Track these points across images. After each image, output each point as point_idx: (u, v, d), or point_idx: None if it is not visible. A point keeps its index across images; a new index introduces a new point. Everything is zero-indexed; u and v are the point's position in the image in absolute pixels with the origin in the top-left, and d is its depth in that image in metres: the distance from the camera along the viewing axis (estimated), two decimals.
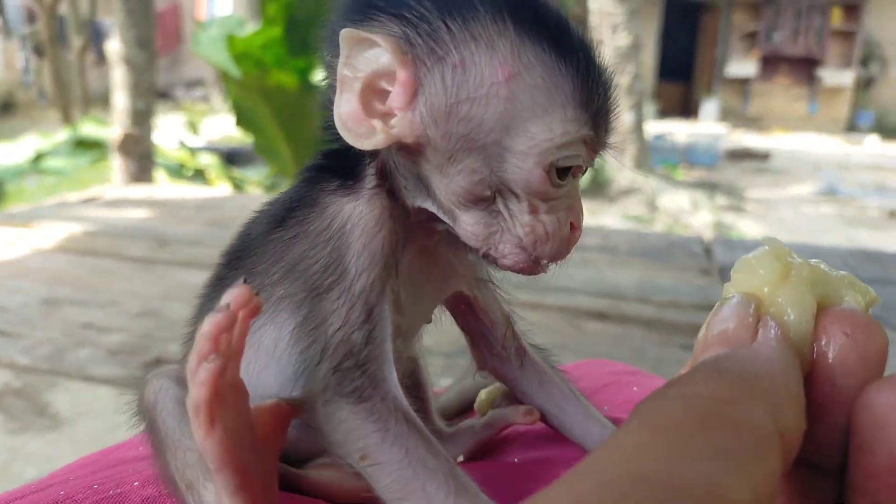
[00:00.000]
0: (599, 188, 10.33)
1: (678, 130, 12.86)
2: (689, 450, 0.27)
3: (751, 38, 14.79)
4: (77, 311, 2.40)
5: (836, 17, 14.15)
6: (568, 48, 0.47)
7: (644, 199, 9.93)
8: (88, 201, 4.10)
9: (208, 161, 6.76)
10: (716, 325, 0.37)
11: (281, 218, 0.53)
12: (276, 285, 0.52)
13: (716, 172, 11.54)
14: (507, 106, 0.46)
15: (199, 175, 6.35)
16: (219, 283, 0.58)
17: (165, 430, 0.50)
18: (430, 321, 0.61)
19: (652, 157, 11.11)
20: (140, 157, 4.58)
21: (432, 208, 0.51)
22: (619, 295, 2.57)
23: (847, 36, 14.26)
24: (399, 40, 0.47)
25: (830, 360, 0.34)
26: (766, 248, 0.40)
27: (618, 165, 10.48)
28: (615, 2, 9.58)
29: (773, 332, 0.35)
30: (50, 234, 3.30)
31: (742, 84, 15.21)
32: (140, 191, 4.34)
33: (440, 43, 0.47)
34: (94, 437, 1.68)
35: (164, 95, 20.02)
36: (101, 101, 6.61)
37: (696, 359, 0.35)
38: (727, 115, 15.00)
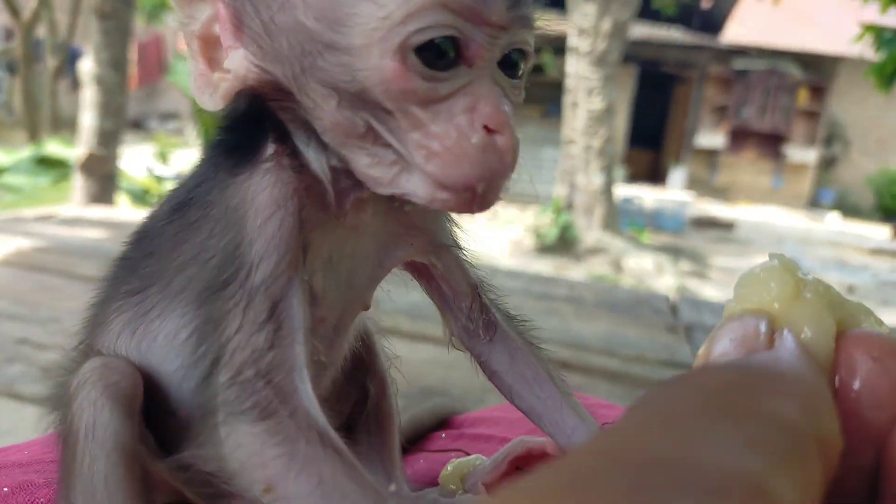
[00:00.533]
0: (566, 246, 10.42)
1: (646, 196, 13.10)
2: (715, 436, 0.20)
3: (721, 111, 15.26)
4: (13, 326, 2.26)
5: (803, 98, 14.69)
6: None
7: (610, 259, 10.02)
8: (44, 218, 3.96)
9: None
10: (721, 338, 0.31)
11: (183, 199, 0.46)
12: (175, 274, 0.45)
13: (681, 238, 11.73)
14: None
15: None
16: (123, 264, 0.52)
17: (83, 468, 0.43)
18: (367, 307, 0.52)
19: (620, 219, 11.26)
20: (103, 178, 4.47)
21: (338, 164, 0.42)
22: (584, 346, 2.52)
23: (812, 116, 14.79)
24: None
25: (857, 389, 0.28)
26: (776, 262, 0.34)
27: (585, 225, 10.62)
28: (591, 67, 9.82)
29: (792, 343, 0.29)
30: None
31: (710, 155, 15.62)
32: (98, 211, 4.21)
33: None
34: None
35: (138, 125, 19.87)
36: (71, 124, 6.52)
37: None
38: (694, 184, 15.34)
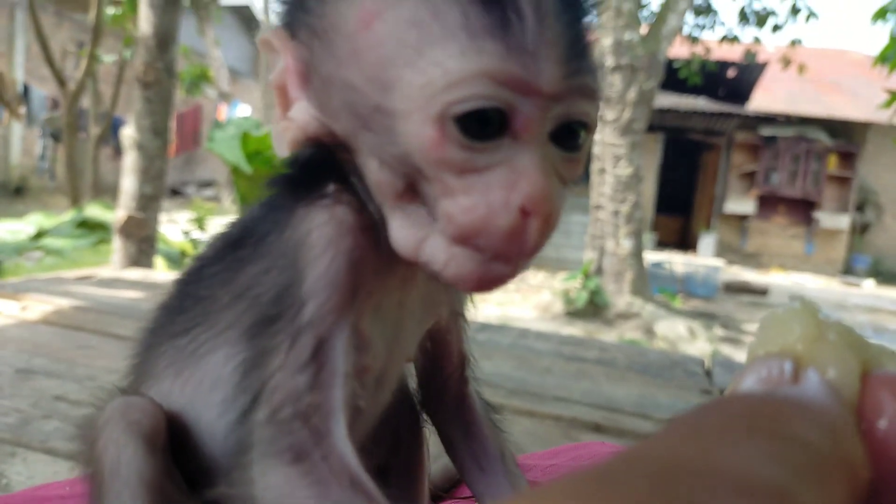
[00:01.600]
0: (596, 311, 10.33)
1: (677, 262, 13.01)
2: (741, 448, 0.22)
3: (749, 177, 15.24)
4: (51, 383, 2.29)
5: (833, 163, 14.63)
6: None
7: (641, 324, 9.90)
8: (83, 279, 4.06)
9: None
10: (746, 378, 0.31)
11: (237, 238, 0.47)
12: (223, 311, 0.45)
13: (714, 304, 11.58)
14: (376, 56, 0.36)
15: None
16: (165, 309, 0.53)
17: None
18: (411, 360, 0.53)
19: (651, 284, 11.16)
20: (141, 241, 4.58)
21: None
22: (617, 408, 2.48)
23: (843, 181, 14.69)
24: (283, 28, 0.41)
25: (883, 430, 0.28)
26: (798, 304, 0.34)
27: (616, 289, 10.53)
28: (617, 134, 9.94)
29: (816, 380, 0.29)
30: (37, 308, 3.23)
31: (740, 221, 15.53)
32: (136, 273, 4.30)
33: (312, 14, 0.40)
34: None
35: (177, 192, 20.42)
36: (111, 191, 6.72)
37: None
38: (725, 250, 15.21)
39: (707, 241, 15.16)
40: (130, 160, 4.51)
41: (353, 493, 0.35)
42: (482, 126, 0.36)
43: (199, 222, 11.21)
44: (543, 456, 0.79)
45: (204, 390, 0.46)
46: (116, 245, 4.61)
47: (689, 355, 3.95)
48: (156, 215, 4.67)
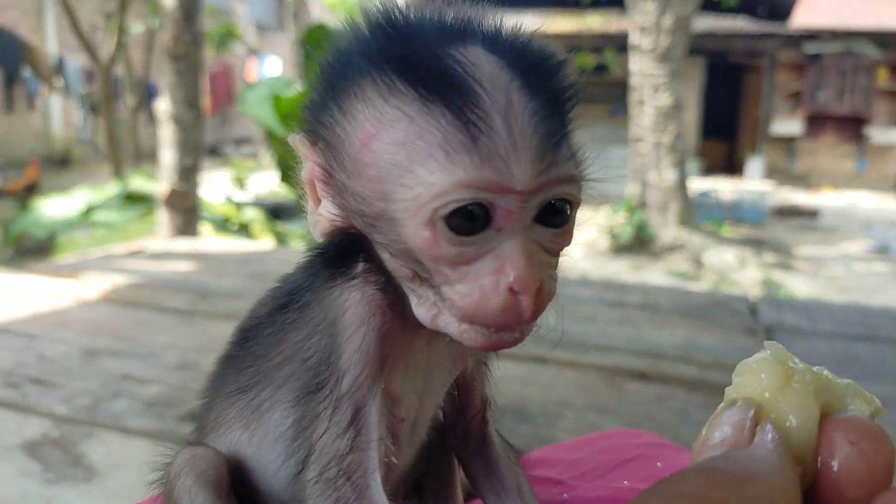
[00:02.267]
0: (642, 245, 10.24)
1: (723, 188, 12.72)
2: None
3: (795, 97, 14.70)
4: (116, 363, 2.42)
5: (883, 77, 14.00)
6: (443, 87, 0.41)
7: (689, 255, 9.78)
8: (134, 254, 4.20)
9: (253, 216, 6.90)
10: (714, 428, 0.35)
11: (284, 303, 0.53)
12: (276, 369, 0.52)
13: (763, 230, 11.35)
14: (375, 172, 0.43)
15: (244, 229, 6.47)
16: (228, 361, 0.59)
17: None
18: (442, 406, 0.58)
19: (697, 214, 10.98)
20: (186, 211, 4.70)
21: None
22: (660, 354, 2.50)
23: (894, 95, 14.06)
24: (307, 134, 0.47)
25: (836, 470, 0.32)
26: (769, 352, 0.38)
27: (661, 222, 10.41)
28: (655, 63, 9.65)
29: (770, 436, 0.33)
30: (94, 286, 3.37)
31: (787, 142, 15.06)
32: (184, 244, 4.44)
33: (326, 128, 0.46)
34: (126, 489, 1.67)
35: (214, 152, 20.68)
36: (151, 156, 6.92)
37: (693, 461, 0.33)
38: (773, 173, 14.81)
39: (754, 165, 14.77)
40: (168, 133, 4.60)
41: None
42: (468, 222, 0.41)
43: (239, 182, 11.38)
44: (568, 448, 0.83)
45: (268, 444, 0.53)
46: (162, 217, 4.74)
47: (734, 294, 3.93)
48: (196, 186, 4.77)
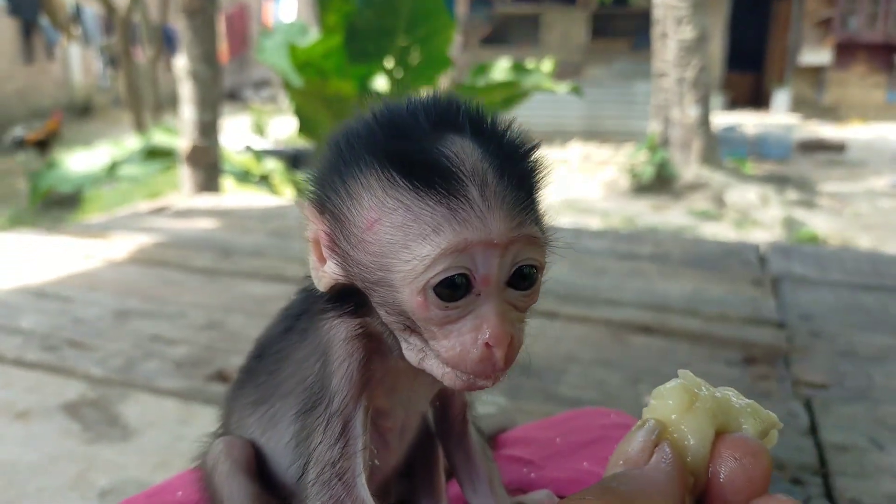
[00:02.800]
0: (664, 184, 10.18)
1: (748, 122, 12.50)
2: None
3: (825, 24, 14.23)
4: (146, 323, 2.55)
5: None
6: (432, 177, 0.50)
7: (711, 194, 9.73)
8: (158, 211, 4.32)
9: (273, 166, 6.99)
10: (623, 446, 0.45)
11: (290, 325, 0.66)
12: (283, 383, 0.65)
13: (787, 165, 11.20)
14: (378, 248, 0.52)
15: (265, 180, 6.58)
16: (248, 373, 0.72)
17: None
18: (426, 410, 0.70)
19: (720, 149, 10.84)
20: (207, 167, 4.79)
21: None
22: (667, 307, 2.57)
23: None
24: (315, 203, 0.56)
25: (722, 480, 0.42)
26: (680, 380, 0.47)
27: (683, 160, 10.30)
28: None
29: (665, 455, 0.43)
30: (122, 246, 3.50)
31: (816, 73, 14.66)
32: (207, 200, 4.55)
33: (337, 203, 0.54)
34: (160, 447, 1.80)
35: (233, 96, 20.65)
36: (172, 103, 7.03)
37: (607, 471, 0.42)
38: (800, 105, 14.50)
39: (781, 97, 14.45)
40: (187, 90, 4.65)
41: None
42: (453, 290, 0.50)
43: (259, 129, 11.43)
44: (543, 427, 0.92)
45: (280, 447, 0.66)
46: (185, 173, 4.84)
47: (745, 243, 3.96)
48: (217, 141, 4.85)
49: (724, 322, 2.40)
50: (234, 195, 5.13)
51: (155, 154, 5.93)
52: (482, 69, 7.67)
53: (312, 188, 0.57)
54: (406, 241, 0.50)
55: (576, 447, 0.83)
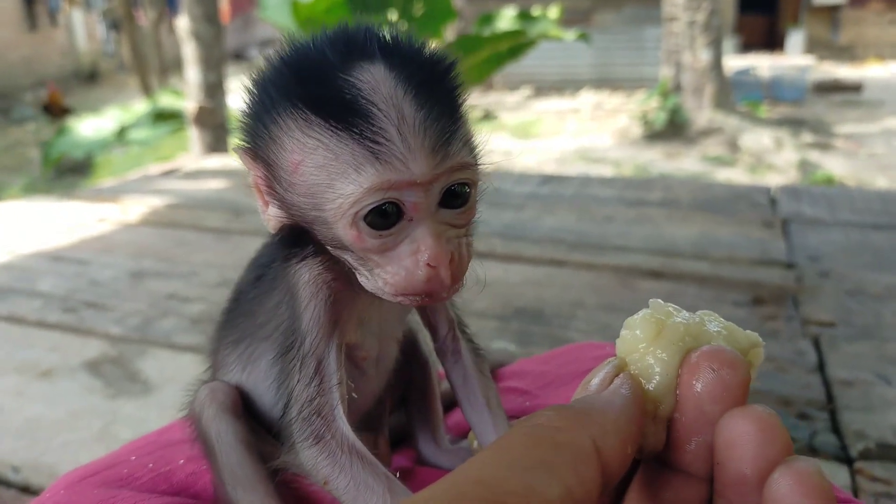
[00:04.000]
0: (677, 130, 10.05)
1: (762, 65, 12.26)
2: (518, 462, 0.35)
3: None
4: (161, 283, 2.59)
5: None
6: (347, 114, 0.50)
7: (724, 139, 9.60)
8: (169, 173, 4.35)
9: None
10: (586, 380, 0.46)
11: (260, 274, 0.67)
12: (260, 328, 0.67)
13: (802, 108, 11.01)
14: (306, 189, 0.53)
15: None
16: (227, 315, 0.73)
17: (223, 459, 0.65)
18: (400, 338, 0.71)
19: (734, 94, 10.67)
20: (215, 128, 4.79)
21: None
22: (675, 252, 2.57)
23: None
24: (248, 150, 0.56)
25: (699, 390, 0.41)
26: (649, 310, 0.47)
27: (696, 105, 10.15)
28: None
29: (622, 381, 0.43)
30: (135, 209, 3.53)
31: (831, 12, 14.30)
32: (215, 161, 4.56)
33: (264, 147, 0.55)
34: (178, 400, 1.85)
35: (239, 56, 20.47)
36: (177, 65, 6.98)
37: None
38: (815, 46, 14.18)
39: (795, 39, 14.14)
40: (190, 51, 4.63)
41: (353, 457, 0.56)
42: (383, 219, 0.51)
43: None
44: (539, 361, 0.94)
45: (260, 383, 0.68)
46: (193, 135, 4.84)
47: (756, 185, 3.93)
48: (223, 101, 4.83)
49: (732, 264, 2.41)
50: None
51: (163, 117, 5.93)
52: (487, 19, 7.55)
53: (243, 135, 0.57)
54: (330, 181, 0.51)
55: (570, 377, 0.85)
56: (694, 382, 0.42)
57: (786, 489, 0.36)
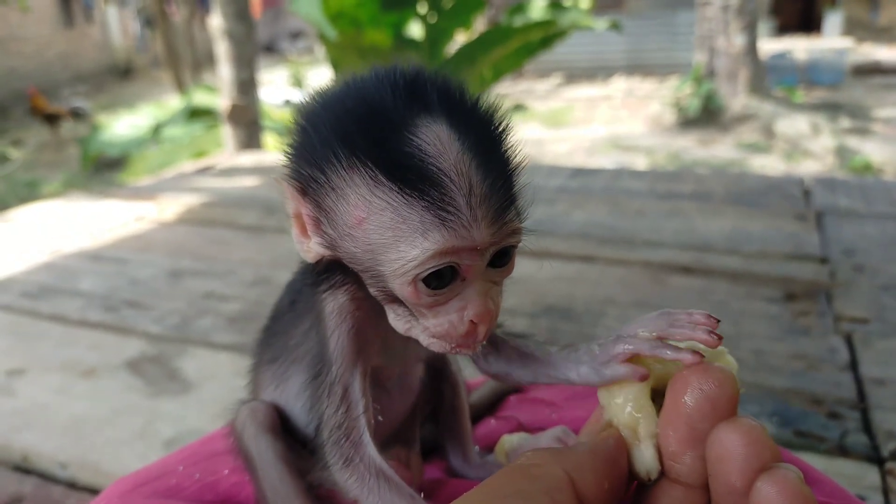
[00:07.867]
0: (711, 116, 9.91)
1: (799, 48, 12.00)
2: (498, 492, 0.41)
3: None
4: (198, 282, 2.66)
5: None
6: (417, 180, 0.51)
7: (759, 125, 9.44)
8: (203, 171, 4.42)
9: None
10: (599, 414, 0.53)
11: (293, 300, 0.71)
12: (293, 349, 0.71)
13: (840, 92, 10.76)
14: (367, 243, 0.54)
15: None
16: (266, 333, 0.77)
17: (263, 475, 0.69)
18: (424, 358, 0.75)
19: (769, 78, 10.47)
20: (248, 125, 4.86)
21: None
22: (707, 247, 2.56)
23: None
24: (294, 184, 0.56)
25: (690, 406, 0.45)
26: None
27: (730, 91, 9.99)
28: None
29: (610, 434, 0.50)
30: (171, 207, 3.61)
31: None
32: (249, 158, 4.63)
33: (317, 189, 0.55)
34: (217, 398, 1.91)
35: (270, 49, 20.63)
36: (210, 61, 7.07)
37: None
38: (853, 28, 13.82)
39: (833, 20, 13.80)
40: (223, 49, 4.70)
41: (379, 480, 0.60)
42: (441, 279, 0.53)
43: (298, 81, 11.45)
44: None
45: (293, 401, 0.72)
46: (227, 132, 4.92)
47: (790, 176, 3.87)
48: (256, 98, 4.90)
49: (765, 259, 2.39)
50: (274, 153, 5.21)
51: (197, 114, 6.03)
52: (518, 8, 7.50)
53: (290, 168, 0.58)
54: (395, 242, 0.53)
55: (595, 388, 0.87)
56: (684, 400, 0.45)
57: (768, 495, 0.39)
